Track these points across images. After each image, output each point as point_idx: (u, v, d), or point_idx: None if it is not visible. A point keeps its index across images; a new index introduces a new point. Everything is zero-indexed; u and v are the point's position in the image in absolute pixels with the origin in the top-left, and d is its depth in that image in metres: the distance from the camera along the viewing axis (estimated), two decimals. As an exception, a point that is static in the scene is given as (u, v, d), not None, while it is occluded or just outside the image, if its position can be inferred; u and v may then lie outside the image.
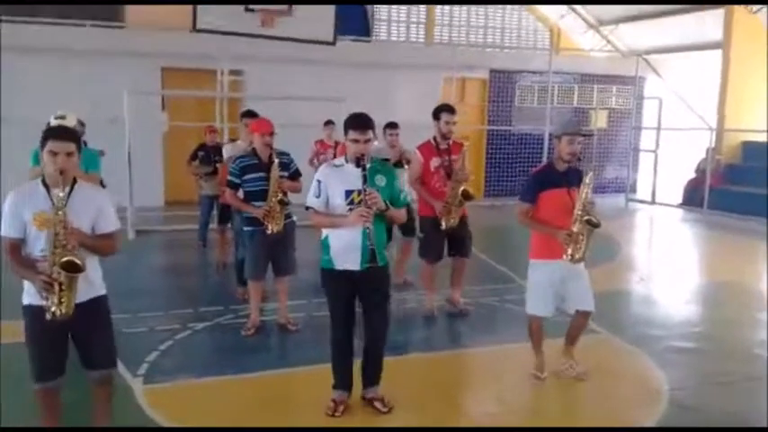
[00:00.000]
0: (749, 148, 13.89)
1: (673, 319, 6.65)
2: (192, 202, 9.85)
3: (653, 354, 5.39)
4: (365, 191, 3.95)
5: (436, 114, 6.14)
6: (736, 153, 14.05)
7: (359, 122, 4.06)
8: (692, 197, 13.34)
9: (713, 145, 13.37)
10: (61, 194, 3.17)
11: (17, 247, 3.29)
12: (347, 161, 4.11)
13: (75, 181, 3.35)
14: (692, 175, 13.86)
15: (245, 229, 5.74)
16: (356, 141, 4.02)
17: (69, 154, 3.26)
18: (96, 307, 3.43)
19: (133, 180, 9.86)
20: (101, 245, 3.39)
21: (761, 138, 13.75)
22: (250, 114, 6.69)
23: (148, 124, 11.33)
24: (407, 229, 7.03)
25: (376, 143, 7.12)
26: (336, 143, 9.18)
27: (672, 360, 5.33)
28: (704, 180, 12.71)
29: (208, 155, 8.49)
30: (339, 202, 4.06)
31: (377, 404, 4.25)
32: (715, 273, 8.93)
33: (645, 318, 6.64)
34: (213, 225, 8.59)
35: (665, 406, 4.45)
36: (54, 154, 3.23)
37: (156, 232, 10.36)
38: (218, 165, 8.01)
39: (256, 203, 5.53)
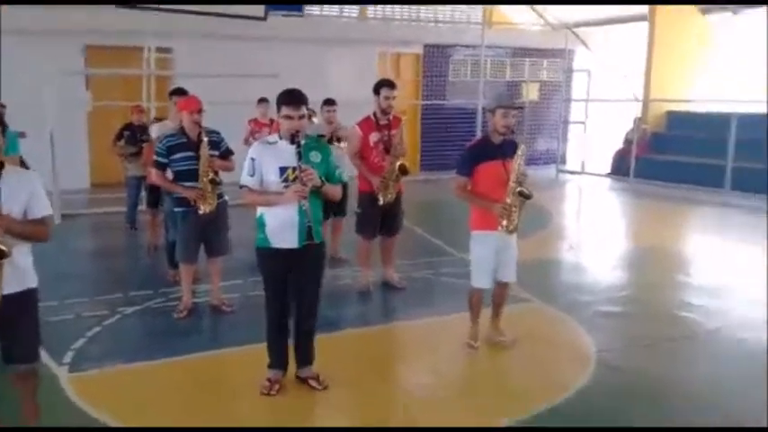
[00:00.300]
0: (673, 117, 14.40)
1: (600, 284, 6.88)
2: (119, 183, 9.56)
3: (581, 319, 5.56)
4: (300, 167, 3.91)
5: (376, 89, 6.10)
6: (661, 122, 14.53)
7: (292, 98, 4.00)
8: (620, 166, 13.76)
9: (640, 115, 13.78)
10: None
11: None
12: (281, 138, 4.05)
13: (2, 166, 3.17)
14: (620, 145, 14.27)
15: (176, 210, 5.61)
16: (289, 118, 3.96)
17: None
18: (26, 300, 3.26)
19: (57, 162, 9.49)
20: (31, 231, 3.19)
21: (685, 107, 14.29)
22: (179, 92, 6.52)
23: (72, 104, 10.89)
24: (339, 208, 7.00)
25: (315, 120, 7.10)
26: (272, 121, 9.03)
27: (599, 324, 5.51)
28: (631, 150, 13.10)
29: (133, 134, 8.27)
30: (273, 179, 4.01)
31: (312, 382, 4.26)
32: (641, 239, 9.26)
33: (574, 284, 6.84)
34: (142, 207, 8.39)
35: (594, 368, 4.60)
36: None
37: (83, 215, 10.01)
38: (144, 144, 7.80)
39: (186, 184, 5.41)
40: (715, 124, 12.20)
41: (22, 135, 6.19)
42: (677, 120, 14.31)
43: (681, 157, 12.74)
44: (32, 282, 3.32)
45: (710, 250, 8.56)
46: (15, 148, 5.54)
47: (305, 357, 4.30)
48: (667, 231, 9.46)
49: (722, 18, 14.35)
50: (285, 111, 3.98)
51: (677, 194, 11.68)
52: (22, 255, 3.22)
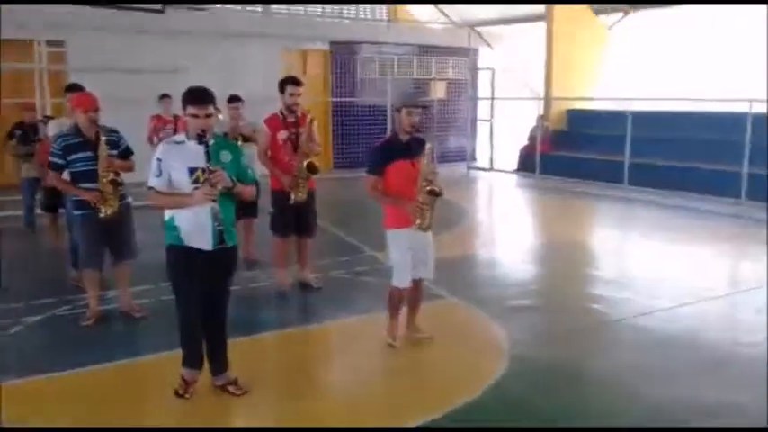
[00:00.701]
0: (573, 115, 14.99)
1: (512, 278, 7.07)
2: (12, 185, 8.99)
3: (494, 313, 5.67)
4: (209, 169, 3.78)
5: (281, 87, 6.02)
6: (562, 120, 15.10)
7: (197, 97, 3.86)
8: (526, 163, 14.19)
9: (542, 113, 14.26)
10: None
11: None
12: (188, 138, 3.91)
13: None
14: (525, 142, 14.72)
15: (76, 213, 5.33)
16: (196, 117, 3.83)
17: None
18: None
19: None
20: None
21: (584, 105, 14.91)
22: (74, 88, 6.18)
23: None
24: (250, 209, 6.85)
25: (221, 116, 6.90)
26: (176, 117, 8.76)
27: (511, 317, 5.63)
28: (535, 147, 13.53)
29: (26, 134, 7.82)
30: (182, 179, 3.86)
31: (230, 388, 4.14)
32: (549, 233, 9.58)
33: (486, 279, 7.00)
34: (39, 210, 7.92)
35: (508, 360, 4.71)
36: None
37: (-27, 221, 9.37)
38: (38, 144, 7.38)
39: (85, 185, 5.15)
40: (613, 122, 12.78)
41: None
42: (577, 118, 14.92)
43: (582, 154, 13.30)
44: None
45: (613, 243, 8.95)
46: None
47: (220, 363, 4.17)
48: (573, 226, 9.84)
49: (614, 20, 15.06)
50: (191, 110, 3.85)
51: (580, 189, 12.17)
52: None
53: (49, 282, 6.58)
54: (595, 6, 14.63)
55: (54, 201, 7.03)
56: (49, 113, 9.28)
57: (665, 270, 7.03)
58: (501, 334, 5.21)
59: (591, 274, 7.17)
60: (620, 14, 14.88)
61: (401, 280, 4.82)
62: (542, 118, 14.20)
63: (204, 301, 4.02)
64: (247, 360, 4.34)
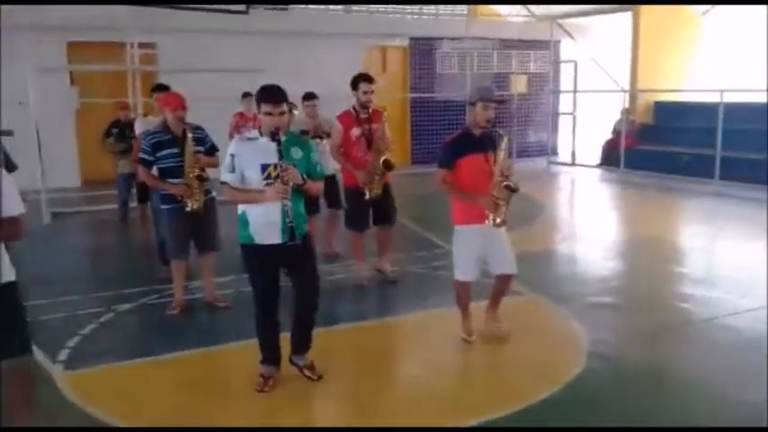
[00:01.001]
0: (660, 108, 14.45)
1: (593, 275, 6.90)
2: (110, 181, 9.49)
3: (574, 310, 5.55)
4: (281, 166, 3.87)
5: (354, 84, 6.08)
6: (649, 113, 14.57)
7: (271, 95, 3.95)
8: (610, 157, 13.79)
9: (627, 106, 13.82)
10: None
11: None
12: (261, 134, 4.01)
13: None
14: (609, 135, 14.30)
15: (163, 207, 5.57)
16: (270, 114, 3.92)
17: None
18: (4, 294, 3.24)
19: (46, 161, 9.42)
20: (2, 230, 3.17)
21: (672, 97, 14.34)
22: (161, 88, 6.49)
23: (58, 102, 10.80)
24: (333, 201, 7.01)
25: (296, 112, 7.06)
26: (256, 115, 8.97)
27: (592, 315, 5.50)
28: (620, 140, 13.12)
29: (122, 131, 8.23)
30: (255, 176, 3.96)
31: (306, 372, 4.25)
32: (632, 229, 9.28)
33: (567, 276, 6.87)
34: (134, 203, 8.32)
35: (587, 359, 4.59)
36: None
37: (74, 214, 9.94)
38: (133, 141, 7.74)
39: (173, 180, 5.37)
40: (703, 114, 12.24)
41: (8, 133, 6.12)
42: (665, 110, 14.37)
43: (670, 148, 12.80)
44: (10, 276, 3.28)
45: (702, 240, 8.58)
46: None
47: (301, 345, 4.28)
48: (659, 222, 9.50)
49: (707, 6, 14.40)
50: (265, 108, 3.93)
51: (667, 185, 11.73)
52: None
53: (140, 272, 6.91)
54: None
55: (145, 195, 7.36)
56: (141, 112, 9.71)
57: (755, 269, 6.69)
58: (581, 332, 5.09)
59: (677, 271, 6.90)
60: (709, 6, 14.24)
61: (461, 273, 4.79)
62: (627, 111, 13.75)
63: (296, 292, 4.15)
64: (323, 350, 4.42)
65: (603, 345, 4.86)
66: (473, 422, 3.78)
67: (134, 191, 8.22)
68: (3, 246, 3.27)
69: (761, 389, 4.11)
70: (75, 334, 5.05)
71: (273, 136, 3.88)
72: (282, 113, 3.95)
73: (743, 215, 9.58)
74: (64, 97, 11.24)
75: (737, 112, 11.48)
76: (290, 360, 4.30)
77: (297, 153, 4.04)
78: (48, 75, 10.16)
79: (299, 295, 4.17)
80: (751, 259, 7.13)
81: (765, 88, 11.84)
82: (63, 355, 4.68)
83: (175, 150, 5.35)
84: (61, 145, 11.02)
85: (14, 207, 3.20)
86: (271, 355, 4.21)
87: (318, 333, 4.36)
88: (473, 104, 4.69)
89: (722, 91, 11.28)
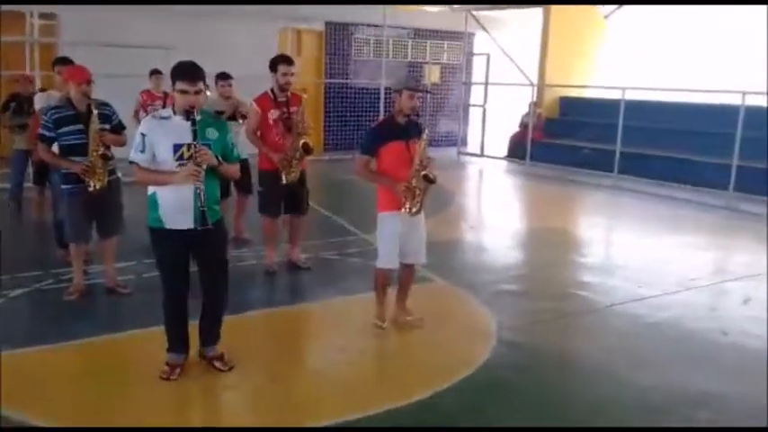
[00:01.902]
0: (566, 103, 14.98)
1: (499, 263, 7.07)
2: (3, 158, 8.91)
3: (482, 297, 5.69)
4: (195, 146, 3.73)
5: (273, 66, 5.94)
6: (555, 108, 15.08)
7: (188, 72, 3.79)
8: (517, 149, 14.17)
9: (535, 100, 14.24)
10: None
11: None
12: (175, 113, 3.86)
13: None
14: (517, 128, 14.69)
15: (64, 187, 5.27)
16: (185, 92, 3.76)
17: None
18: None
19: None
20: None
21: (577, 93, 14.89)
22: (64, 62, 6.11)
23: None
24: (244, 185, 6.86)
25: (209, 93, 6.86)
26: (165, 94, 8.69)
27: (500, 302, 5.64)
28: (527, 133, 13.51)
29: (20, 105, 7.76)
30: (166, 156, 3.80)
31: (216, 363, 4.14)
32: (537, 220, 9.59)
33: (475, 264, 7.01)
34: (29, 183, 7.86)
35: (495, 344, 4.72)
36: None
37: (-40, 192, 9.28)
38: (31, 116, 7.31)
39: (75, 159, 5.10)
40: (605, 110, 12.78)
41: None
42: (570, 105, 14.92)
43: (573, 142, 13.30)
44: None
45: (600, 231, 8.98)
46: None
47: (210, 337, 4.17)
48: (562, 213, 9.87)
49: (610, 9, 15.03)
50: (180, 85, 3.77)
51: (570, 177, 12.19)
52: None
53: (34, 255, 6.54)
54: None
55: (43, 175, 6.96)
56: (41, 87, 9.17)
57: (652, 259, 7.06)
58: (489, 318, 5.22)
59: (578, 261, 7.18)
60: (614, 6, 14.85)
61: (386, 261, 4.81)
62: (535, 104, 14.18)
63: (203, 280, 4.02)
64: (233, 338, 4.33)
65: (510, 330, 4.99)
66: (383, 408, 3.79)
67: (30, 169, 7.77)
68: None
69: (655, 373, 4.35)
70: (-37, 320, 4.73)
71: (188, 115, 3.74)
72: (198, 92, 3.79)
73: (639, 208, 10.09)
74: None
75: (637, 109, 12.05)
76: (200, 353, 4.18)
77: (212, 134, 3.90)
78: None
79: (209, 283, 4.05)
80: (646, 250, 7.51)
81: (663, 88, 12.54)
82: (-51, 343, 4.36)
83: (79, 127, 5.07)
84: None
85: None
86: (178, 343, 4.07)
87: (228, 320, 4.26)
88: (398, 92, 4.70)
89: (624, 89, 11.80)
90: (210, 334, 4.16)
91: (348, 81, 15.17)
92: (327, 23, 14.94)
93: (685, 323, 5.28)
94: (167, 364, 4.03)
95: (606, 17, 15.16)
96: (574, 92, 14.89)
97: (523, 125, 14.13)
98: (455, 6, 16.32)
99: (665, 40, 14.42)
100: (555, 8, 14.26)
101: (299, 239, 6.37)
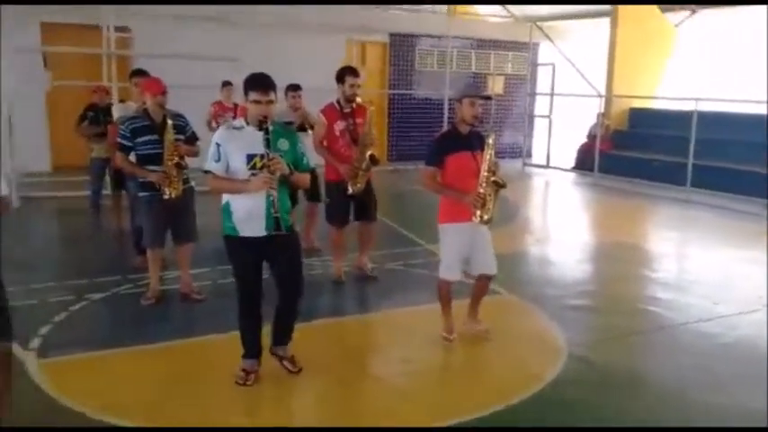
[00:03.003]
0: (635, 114, 14.63)
1: (568, 277, 6.95)
2: (82, 166, 9.30)
3: (551, 311, 5.59)
4: (268, 155, 3.82)
5: (340, 77, 6.02)
6: (624, 119, 14.75)
7: (261, 83, 3.89)
8: (584, 161, 13.93)
9: (602, 111, 13.97)
10: None
11: None
12: (247, 123, 3.96)
13: None
14: (584, 139, 14.44)
15: (141, 194, 5.47)
16: (258, 103, 3.86)
17: None
18: None
19: (16, 144, 9.18)
20: None
21: (647, 104, 14.54)
22: (140, 73, 6.36)
23: (30, 83, 10.54)
24: (313, 194, 6.95)
25: (277, 105, 6.99)
26: (236, 105, 8.90)
27: (568, 317, 5.55)
28: (595, 145, 13.27)
29: (97, 115, 8.07)
30: (240, 166, 3.91)
31: (286, 363, 4.23)
32: (606, 233, 9.37)
33: (542, 277, 6.91)
34: (106, 191, 8.17)
35: (565, 360, 4.63)
36: None
37: (44, 199, 9.71)
38: (108, 126, 7.60)
39: (151, 168, 5.27)
40: (677, 122, 12.42)
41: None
42: (639, 116, 14.57)
43: (643, 154, 12.98)
44: None
45: (673, 246, 8.71)
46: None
47: (282, 337, 4.25)
48: (631, 226, 9.63)
49: (681, 17, 14.64)
50: (253, 95, 3.86)
51: (640, 190, 11.89)
52: None
53: (113, 260, 6.79)
54: (663, 5, 14.24)
55: (119, 182, 7.22)
56: (118, 98, 9.53)
57: (727, 275, 6.81)
58: (557, 333, 5.13)
59: (650, 275, 6.99)
60: (688, 12, 14.47)
61: (447, 272, 4.79)
62: (603, 116, 13.91)
63: (279, 286, 4.11)
64: (302, 345, 4.39)
65: (580, 347, 4.90)
66: (452, 422, 3.78)
67: (107, 177, 8.07)
68: None
69: (733, 393, 4.19)
70: (47, 322, 4.95)
71: (261, 125, 3.83)
72: (270, 102, 3.88)
73: (713, 222, 9.76)
74: (36, 79, 10.98)
75: (710, 121, 11.68)
76: (271, 351, 4.26)
77: (283, 144, 3.98)
78: (20, 55, 9.90)
79: (283, 286, 4.12)
80: (719, 266, 7.26)
81: (741, 99, 12.09)
82: (35, 342, 4.58)
83: (154, 137, 5.26)
84: (31, 128, 10.74)
85: None
86: (252, 349, 4.16)
87: (296, 327, 4.32)
88: (459, 101, 4.69)
89: (697, 99, 11.45)
90: (283, 334, 4.24)
91: (411, 92, 15.23)
92: (392, 35, 15.05)
93: (761, 344, 5.05)
94: (243, 370, 4.12)
95: (677, 25, 14.77)
96: (643, 103, 14.54)
97: (591, 136, 13.88)
98: (519, 16, 16.24)
99: (740, 49, 13.91)
100: (623, 17, 13.98)
101: (368, 247, 6.42)
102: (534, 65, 16.10)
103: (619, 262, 7.48)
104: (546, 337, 5.10)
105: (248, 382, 4.07)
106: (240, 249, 4.01)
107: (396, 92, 15.06)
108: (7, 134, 9.03)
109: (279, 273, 4.12)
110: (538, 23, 15.24)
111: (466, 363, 4.78)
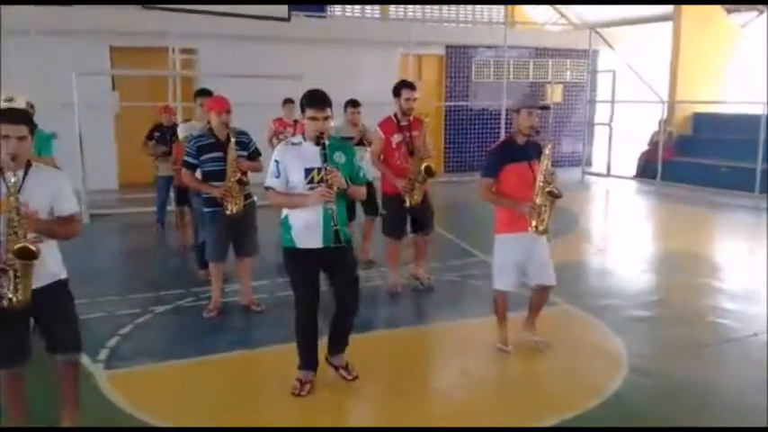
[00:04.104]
0: (699, 119, 14.22)
1: (629, 288, 6.80)
2: (147, 184, 9.67)
3: (612, 323, 5.49)
4: (326, 169, 3.91)
5: (396, 91, 6.10)
6: (687, 125, 14.35)
7: (316, 100, 4.00)
8: (646, 169, 13.60)
9: (665, 117, 13.63)
10: (13, 179, 3.05)
11: None
12: (305, 139, 4.06)
13: (29, 164, 3.24)
14: (646, 147, 14.11)
15: (205, 210, 5.64)
16: (314, 119, 3.97)
17: (21, 138, 3.15)
18: (57, 290, 3.35)
19: (86, 163, 9.61)
20: (59, 229, 3.29)
21: (711, 109, 14.10)
22: (205, 93, 6.57)
23: (99, 105, 11.03)
24: (370, 208, 7.03)
25: (336, 120, 7.12)
26: (296, 121, 9.08)
27: (630, 328, 5.43)
28: (657, 152, 12.94)
29: (164, 135, 8.36)
30: (298, 180, 4.01)
31: (342, 372, 4.30)
32: (670, 242, 9.11)
33: (602, 288, 6.78)
34: (171, 207, 8.46)
35: (626, 372, 4.54)
36: (6, 137, 3.11)
37: (112, 216, 10.13)
38: (174, 145, 7.86)
39: (215, 184, 5.44)
40: (743, 126, 12.02)
41: (54, 136, 6.27)
42: (704, 122, 14.14)
43: (709, 160, 12.59)
44: (62, 273, 3.41)
45: (741, 255, 8.42)
46: (49, 150, 5.66)
47: (338, 346, 4.32)
48: (696, 235, 9.33)
49: (747, 18, 14.18)
50: (310, 112, 3.98)
51: (706, 198, 11.54)
52: (51, 253, 3.30)
53: (177, 274, 7.02)
54: (728, 6, 13.83)
55: (183, 197, 7.46)
56: (183, 117, 9.86)
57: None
58: (619, 345, 5.03)
59: (716, 286, 6.78)
60: (755, 13, 14.00)
61: (501, 283, 4.77)
62: (665, 122, 13.57)
63: (336, 297, 4.18)
64: (358, 356, 4.43)
65: (643, 359, 4.79)
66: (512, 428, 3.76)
67: (172, 193, 8.35)
68: (56, 244, 3.37)
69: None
70: (114, 334, 5.15)
71: (318, 140, 3.93)
72: (327, 118, 3.99)
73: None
74: (105, 101, 11.47)
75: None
76: (327, 360, 4.34)
77: (340, 158, 4.07)
78: (91, 78, 10.37)
79: (340, 297, 4.19)
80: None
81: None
82: (103, 354, 4.78)
83: (219, 154, 5.42)
84: (100, 148, 11.20)
85: (71, 206, 3.33)
86: (308, 361, 4.24)
87: (352, 339, 4.38)
88: (517, 112, 4.69)
89: (766, 103, 11.05)
90: (339, 343, 4.31)
91: (468, 103, 15.21)
92: (448, 47, 15.08)
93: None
94: (298, 380, 4.20)
95: (743, 26, 14.30)
96: (708, 107, 14.11)
97: (653, 143, 13.56)
98: (577, 23, 16.04)
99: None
100: (686, 21, 13.64)
101: (424, 258, 6.45)
102: (594, 72, 15.84)
103: (683, 272, 7.28)
104: (606, 349, 5.01)
105: (303, 393, 4.14)
106: (298, 261, 4.10)
107: (452, 104, 15.07)
108: (78, 154, 9.46)
109: (336, 284, 4.19)
110: (597, 30, 15.01)
111: (523, 374, 4.73)
